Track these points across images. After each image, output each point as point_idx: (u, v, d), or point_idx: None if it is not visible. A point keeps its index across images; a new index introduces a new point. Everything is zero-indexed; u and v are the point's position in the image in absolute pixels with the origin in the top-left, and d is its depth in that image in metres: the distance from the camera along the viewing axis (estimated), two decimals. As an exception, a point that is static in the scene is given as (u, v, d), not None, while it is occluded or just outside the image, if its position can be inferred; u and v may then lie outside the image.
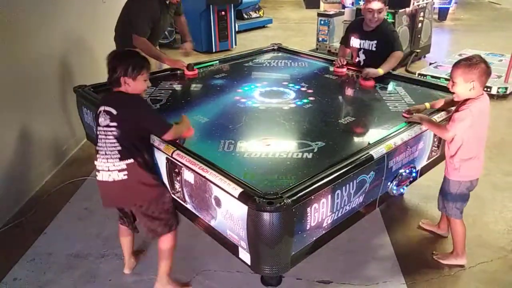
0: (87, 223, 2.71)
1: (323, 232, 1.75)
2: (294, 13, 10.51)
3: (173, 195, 1.99)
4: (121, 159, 1.81)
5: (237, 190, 1.55)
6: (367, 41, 3.07)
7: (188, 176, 1.80)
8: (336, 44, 6.49)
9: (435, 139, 2.28)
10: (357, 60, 3.20)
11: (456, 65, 2.00)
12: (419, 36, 6.09)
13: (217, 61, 3.42)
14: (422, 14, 6.00)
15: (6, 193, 2.75)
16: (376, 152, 1.85)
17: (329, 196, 1.67)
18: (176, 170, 1.87)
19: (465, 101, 2.01)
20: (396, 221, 2.71)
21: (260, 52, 3.72)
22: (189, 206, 1.92)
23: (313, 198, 1.60)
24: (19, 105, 2.91)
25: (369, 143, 1.96)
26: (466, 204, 2.22)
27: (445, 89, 2.45)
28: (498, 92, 4.70)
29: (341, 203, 1.75)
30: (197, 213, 1.88)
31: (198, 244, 2.42)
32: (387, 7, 3.03)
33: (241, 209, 1.54)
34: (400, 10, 5.60)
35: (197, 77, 3.09)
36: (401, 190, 2.14)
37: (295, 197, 1.53)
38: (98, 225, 2.66)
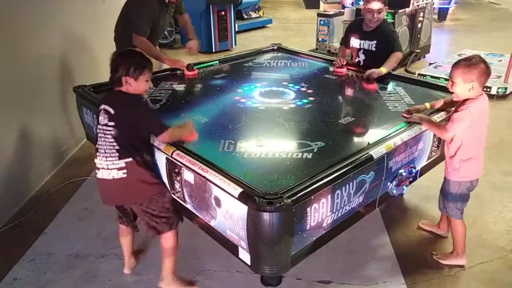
0: (87, 223, 2.71)
1: (323, 232, 1.75)
2: (294, 13, 10.52)
3: (173, 195, 1.99)
4: (120, 157, 1.82)
5: (237, 190, 1.56)
6: (366, 41, 3.07)
7: (188, 176, 1.80)
8: (336, 44, 6.49)
9: (435, 139, 2.28)
10: (356, 60, 3.20)
11: (456, 65, 2.00)
12: (418, 36, 6.09)
13: (217, 61, 3.42)
14: (421, 14, 6.00)
15: (6, 193, 2.75)
16: (376, 152, 1.85)
17: (329, 196, 1.67)
18: (176, 170, 1.87)
19: (464, 101, 2.02)
20: (396, 221, 2.72)
21: (260, 52, 3.73)
22: (189, 206, 1.92)
23: (313, 198, 1.60)
24: (19, 105, 2.91)
25: (369, 143, 1.96)
26: (467, 205, 2.22)
27: (444, 89, 2.46)
28: (497, 92, 4.70)
29: (341, 203, 1.75)
30: (197, 213, 1.88)
31: (198, 244, 2.42)
32: (387, 7, 3.03)
33: (241, 209, 1.55)
34: (400, 10, 5.61)
35: (197, 77, 3.09)
36: (401, 190, 2.14)
37: (295, 197, 1.53)
38: (98, 225, 2.67)
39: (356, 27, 3.19)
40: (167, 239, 2.00)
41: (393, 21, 5.51)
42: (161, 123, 1.92)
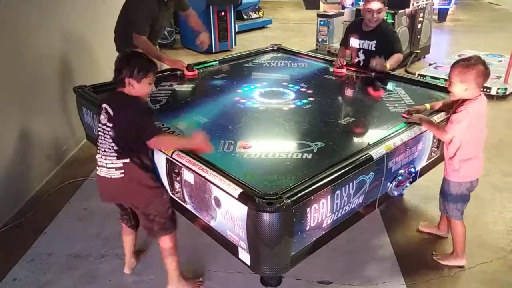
0: (87, 223, 2.71)
1: (323, 232, 1.75)
2: (293, 14, 10.52)
3: (172, 195, 1.99)
4: (118, 157, 1.83)
5: (236, 191, 1.56)
6: (366, 41, 3.07)
7: (188, 176, 1.80)
8: (336, 44, 6.49)
9: (435, 140, 2.29)
10: (356, 60, 3.21)
11: (454, 65, 2.01)
12: (418, 36, 6.09)
13: (217, 62, 3.42)
14: (421, 14, 6.00)
15: (6, 193, 2.75)
16: (375, 153, 1.86)
17: (329, 197, 1.67)
18: (176, 170, 1.87)
19: (463, 102, 2.02)
20: (396, 222, 2.72)
21: (260, 52, 3.73)
22: (188, 207, 1.92)
23: (312, 198, 1.60)
24: (19, 105, 2.91)
25: (368, 144, 1.97)
26: (467, 205, 2.22)
27: (444, 90, 2.46)
28: (497, 92, 4.70)
29: (340, 204, 1.75)
30: (196, 214, 1.88)
31: (198, 245, 2.42)
32: (387, 7, 3.04)
33: (241, 210, 1.55)
34: (399, 11, 5.61)
35: (197, 77, 3.09)
36: (401, 191, 2.15)
37: (294, 198, 1.53)
38: (98, 225, 2.66)
39: (355, 27, 3.19)
40: (164, 240, 2.00)
41: (393, 21, 5.51)
42: (153, 128, 1.87)
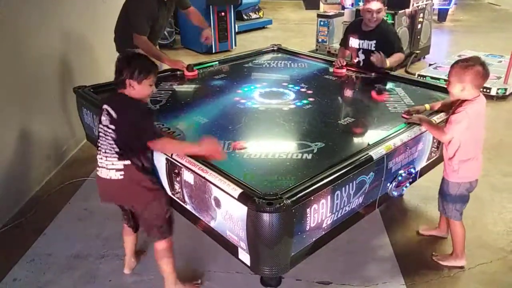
0: (87, 223, 2.71)
1: (323, 233, 1.75)
2: (293, 14, 10.52)
3: (172, 196, 1.99)
4: (119, 159, 1.83)
5: (236, 191, 1.56)
6: (366, 41, 3.08)
7: (188, 176, 1.80)
8: (336, 45, 6.49)
9: (435, 140, 2.29)
10: (356, 60, 3.21)
11: (453, 65, 2.02)
12: (418, 37, 6.10)
13: (217, 62, 3.42)
14: (421, 15, 6.01)
15: (6, 193, 2.75)
16: (375, 153, 1.86)
17: (329, 197, 1.67)
18: (176, 171, 1.87)
19: (461, 103, 2.02)
20: (396, 222, 2.72)
21: (260, 53, 3.73)
22: (188, 207, 1.92)
23: (312, 199, 1.60)
24: (19, 105, 2.91)
25: (368, 144, 1.97)
26: (466, 206, 2.22)
27: (444, 90, 2.46)
28: (497, 93, 4.70)
29: (340, 204, 1.75)
30: (196, 214, 1.88)
31: (198, 245, 2.42)
32: (386, 7, 3.04)
33: (241, 210, 1.55)
34: (399, 11, 5.61)
35: (197, 77, 3.09)
36: (401, 191, 2.15)
37: (294, 198, 1.53)
38: (98, 225, 2.66)
39: (355, 27, 3.20)
40: (160, 242, 1.99)
41: (393, 22, 5.51)
42: (154, 131, 1.87)
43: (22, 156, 2.94)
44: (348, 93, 3.02)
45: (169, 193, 2.01)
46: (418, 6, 5.90)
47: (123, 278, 2.25)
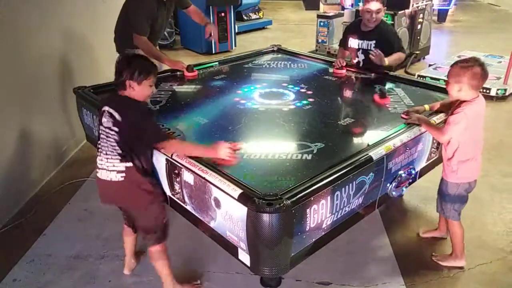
0: (87, 224, 2.71)
1: (323, 233, 1.76)
2: (293, 15, 10.52)
3: (172, 196, 1.99)
4: (121, 161, 1.82)
5: (236, 191, 1.56)
6: (365, 41, 3.08)
7: (188, 177, 1.80)
8: (336, 45, 6.49)
9: (434, 141, 2.29)
10: (356, 60, 3.22)
11: (452, 65, 2.03)
12: (418, 37, 6.10)
13: (217, 63, 3.42)
14: (421, 15, 6.01)
15: (6, 193, 2.75)
16: (375, 154, 1.86)
17: (329, 198, 1.67)
18: (176, 171, 1.87)
19: (460, 103, 2.02)
20: (396, 223, 2.72)
21: (260, 53, 3.73)
22: (188, 208, 1.92)
23: (312, 199, 1.60)
24: (19, 105, 2.91)
25: (368, 145, 1.97)
26: (465, 206, 2.23)
27: (444, 91, 2.46)
28: (497, 93, 4.71)
29: (340, 205, 1.75)
30: (196, 215, 1.88)
31: (198, 246, 2.42)
32: (385, 8, 3.05)
33: (241, 210, 1.55)
34: (399, 12, 5.62)
35: (196, 78, 3.09)
36: (401, 192, 2.15)
37: (294, 198, 1.53)
38: (98, 226, 2.66)
39: (354, 28, 3.20)
40: (154, 245, 1.99)
41: (392, 22, 5.52)
42: (161, 134, 1.90)
43: (22, 156, 2.94)
44: (348, 93, 3.02)
45: (169, 193, 2.01)
46: (418, 7, 5.90)
47: (123, 279, 2.25)
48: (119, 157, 1.82)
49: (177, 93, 2.82)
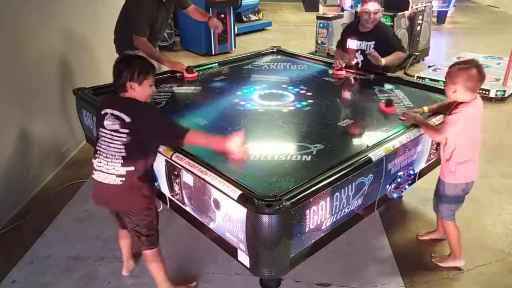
0: (86, 225, 2.71)
1: (322, 234, 1.76)
2: (293, 16, 10.53)
3: (172, 197, 1.99)
4: (123, 165, 1.79)
5: (236, 193, 1.56)
6: (364, 42, 3.09)
7: (187, 178, 1.80)
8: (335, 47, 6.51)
9: (434, 142, 2.29)
10: (354, 61, 3.22)
11: (450, 67, 2.04)
12: (417, 39, 6.11)
13: (217, 64, 3.43)
14: (420, 17, 6.02)
15: (6, 193, 2.75)
16: (374, 155, 1.86)
17: (328, 199, 1.67)
18: (176, 172, 1.87)
19: (458, 104, 2.03)
20: (395, 224, 2.72)
21: (259, 54, 3.74)
22: (188, 209, 1.92)
23: (312, 200, 1.60)
24: (19, 105, 2.91)
25: (367, 146, 1.97)
26: (460, 207, 2.23)
27: (443, 92, 2.46)
28: (496, 95, 4.71)
29: (339, 206, 1.75)
30: (196, 216, 1.88)
31: (197, 247, 2.41)
32: (383, 8, 3.06)
33: (240, 212, 1.55)
34: (399, 13, 5.63)
35: (196, 79, 3.10)
36: (400, 193, 2.15)
37: (294, 200, 1.54)
38: (97, 227, 2.66)
39: (352, 29, 3.22)
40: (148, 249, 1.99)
41: (392, 23, 5.53)
42: (183, 126, 1.91)
43: (22, 157, 2.94)
44: (347, 95, 3.02)
45: (169, 194, 2.01)
46: (417, 8, 5.91)
47: (122, 280, 2.25)
48: (122, 161, 1.79)
49: (176, 95, 2.82)
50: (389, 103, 2.45)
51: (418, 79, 4.71)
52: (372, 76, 3.06)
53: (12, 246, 2.52)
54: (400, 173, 2.08)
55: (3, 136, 2.75)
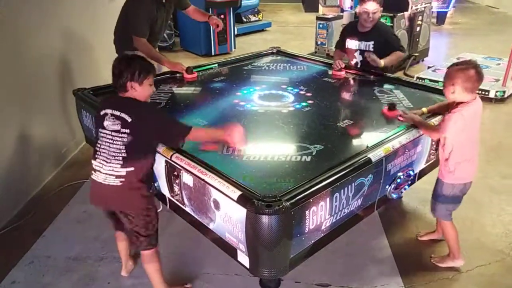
0: (86, 226, 2.71)
1: (322, 235, 1.76)
2: (293, 17, 10.54)
3: (172, 198, 1.99)
4: (123, 165, 1.79)
5: (235, 193, 1.56)
6: (363, 42, 3.10)
7: (187, 179, 1.80)
8: (335, 47, 6.51)
9: (433, 143, 2.29)
10: (354, 61, 3.23)
11: (448, 68, 2.05)
12: (417, 40, 6.12)
13: (216, 65, 3.43)
14: (420, 18, 6.02)
15: (6, 193, 2.75)
16: (374, 155, 1.86)
17: (328, 199, 1.68)
18: (175, 173, 1.87)
19: (458, 104, 2.03)
20: (395, 224, 2.72)
21: (259, 55, 3.74)
22: (188, 209, 1.92)
23: (311, 201, 1.60)
24: (19, 105, 2.91)
25: (367, 146, 1.97)
26: (458, 207, 2.23)
27: (443, 93, 2.46)
28: (496, 95, 4.72)
29: (339, 206, 1.75)
30: (196, 216, 1.88)
31: (197, 247, 2.42)
32: (382, 8, 3.07)
33: (240, 212, 1.55)
34: (398, 14, 5.64)
35: (196, 80, 3.10)
36: (400, 193, 2.15)
37: (293, 200, 1.54)
38: (97, 228, 2.66)
39: (351, 29, 3.22)
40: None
41: (391, 24, 5.53)
42: (184, 123, 1.94)
43: (22, 157, 2.94)
44: (347, 95, 3.03)
45: (168, 195, 2.01)
46: (417, 9, 5.92)
47: (122, 281, 2.25)
48: (122, 161, 1.78)
49: (176, 95, 2.82)
50: (392, 107, 2.38)
51: (417, 80, 4.72)
52: (371, 77, 3.07)
53: (12, 246, 2.52)
54: (400, 174, 2.08)
55: (3, 136, 2.75)
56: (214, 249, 1.88)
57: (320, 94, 2.77)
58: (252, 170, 1.84)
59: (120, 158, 1.79)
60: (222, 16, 6.63)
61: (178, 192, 1.92)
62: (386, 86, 2.91)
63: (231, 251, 1.74)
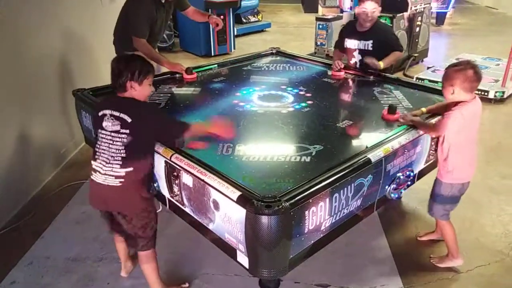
0: (85, 226, 2.71)
1: (321, 235, 1.76)
2: (292, 17, 10.55)
3: (171, 198, 1.99)
4: (122, 166, 1.78)
5: (235, 194, 1.56)
6: (362, 41, 3.10)
7: (187, 179, 1.80)
8: (335, 48, 6.51)
9: (433, 143, 2.29)
10: (352, 61, 3.23)
11: (446, 68, 2.05)
12: (416, 40, 6.12)
13: (216, 65, 3.43)
14: (419, 18, 6.03)
15: (6, 193, 2.75)
16: (373, 156, 1.86)
17: (327, 200, 1.68)
18: (175, 173, 1.87)
19: (457, 104, 2.03)
20: (394, 225, 2.72)
21: (259, 56, 3.74)
22: (187, 210, 1.92)
23: (311, 201, 1.60)
24: (19, 105, 2.91)
25: (366, 147, 1.97)
26: (455, 207, 2.23)
27: (442, 93, 2.46)
28: (495, 96, 4.72)
29: (339, 207, 1.75)
30: (195, 217, 1.88)
31: (196, 247, 2.42)
32: (380, 7, 3.07)
33: (239, 213, 1.55)
34: (398, 15, 5.64)
35: (195, 80, 3.10)
36: (399, 194, 2.15)
37: (293, 201, 1.54)
38: (96, 228, 2.66)
39: (350, 28, 3.22)
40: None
41: (391, 25, 5.54)
42: (183, 121, 1.98)
43: (21, 157, 2.94)
44: (347, 96, 3.03)
45: (168, 195, 2.01)
46: (416, 10, 5.92)
47: (121, 281, 2.25)
48: (121, 162, 1.77)
49: (176, 96, 2.82)
50: (392, 110, 2.30)
51: (417, 80, 4.72)
52: (371, 77, 3.07)
53: (11, 247, 2.52)
54: (399, 174, 2.08)
55: (3, 136, 2.75)
56: (214, 250, 1.88)
57: (319, 95, 2.77)
58: (252, 170, 1.84)
59: (120, 159, 1.78)
60: (221, 17, 6.62)
61: (178, 193, 1.92)
62: (386, 86, 2.91)
63: (231, 252, 1.74)
